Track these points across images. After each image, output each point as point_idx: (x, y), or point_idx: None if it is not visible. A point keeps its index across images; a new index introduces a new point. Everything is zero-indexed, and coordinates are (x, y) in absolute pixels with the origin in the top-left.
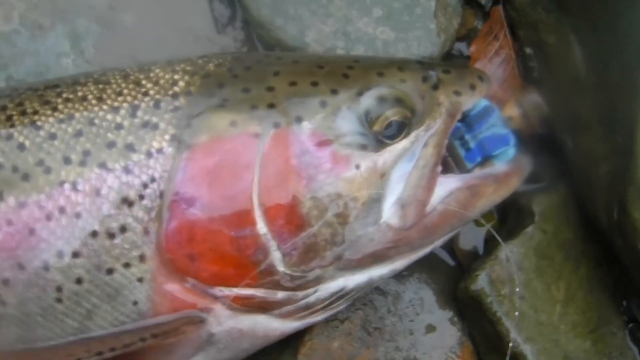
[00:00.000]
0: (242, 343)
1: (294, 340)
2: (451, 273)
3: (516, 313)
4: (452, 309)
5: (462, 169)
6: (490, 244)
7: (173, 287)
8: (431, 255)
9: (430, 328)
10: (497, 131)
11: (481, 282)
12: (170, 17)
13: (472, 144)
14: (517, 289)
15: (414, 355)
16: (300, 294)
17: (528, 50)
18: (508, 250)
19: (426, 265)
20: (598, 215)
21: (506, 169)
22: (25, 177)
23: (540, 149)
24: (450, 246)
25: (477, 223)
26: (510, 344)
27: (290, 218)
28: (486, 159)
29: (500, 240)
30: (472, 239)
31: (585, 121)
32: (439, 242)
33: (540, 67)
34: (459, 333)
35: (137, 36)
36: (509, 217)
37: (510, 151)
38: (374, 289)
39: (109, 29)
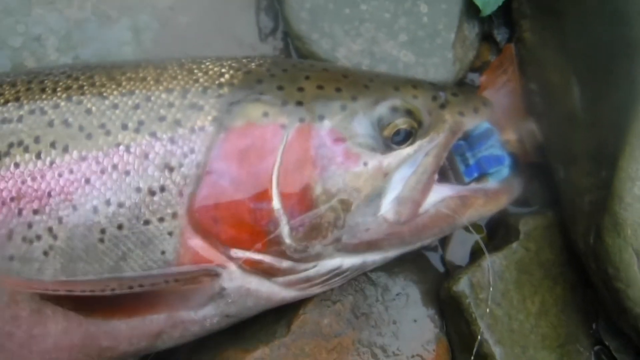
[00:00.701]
0: (247, 301)
1: (289, 312)
2: (438, 277)
3: (487, 310)
4: (434, 308)
5: (460, 182)
6: (476, 255)
7: (196, 243)
8: (422, 259)
9: (412, 321)
10: (494, 152)
11: (462, 284)
12: (220, 23)
13: (471, 161)
14: (491, 286)
15: (392, 342)
16: (302, 266)
17: (533, 86)
18: (490, 260)
19: (416, 267)
20: (577, 240)
21: (497, 187)
22: (89, 136)
23: (535, 176)
24: (442, 254)
25: (468, 230)
26: (479, 337)
27: (301, 199)
28: (482, 176)
29: (484, 248)
30: (461, 250)
31: (577, 155)
32: (426, 241)
33: (542, 101)
34: (437, 330)
35: (190, 36)
36: (497, 233)
37: (504, 171)
38: (366, 280)
39: (166, 26)
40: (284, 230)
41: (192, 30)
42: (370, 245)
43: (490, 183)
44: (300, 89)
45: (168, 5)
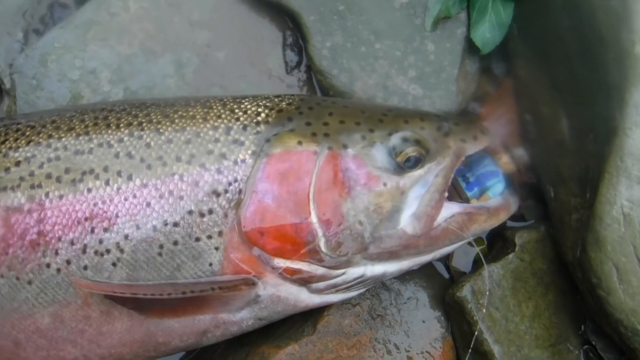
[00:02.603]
0: (277, 306)
1: (315, 314)
2: (444, 283)
3: (483, 310)
4: (440, 311)
5: (462, 198)
6: (477, 264)
7: (237, 257)
8: (430, 268)
9: (421, 322)
10: (489, 168)
11: (465, 291)
12: (252, 58)
13: (471, 179)
14: (488, 292)
15: (404, 340)
16: (333, 272)
17: (527, 117)
18: (489, 270)
19: (425, 275)
20: (566, 252)
21: (497, 204)
22: (149, 166)
23: (529, 195)
24: (447, 263)
25: (470, 245)
26: (475, 334)
27: (333, 213)
28: (482, 190)
29: (484, 260)
30: (464, 259)
31: (565, 178)
32: (437, 254)
33: (536, 130)
34: (443, 330)
35: (226, 69)
36: (495, 245)
37: (499, 184)
38: (381, 286)
39: (205, 61)
40: (321, 241)
41: (228, 64)
42: (391, 255)
43: (492, 201)
44: (326, 124)
45: (206, 43)
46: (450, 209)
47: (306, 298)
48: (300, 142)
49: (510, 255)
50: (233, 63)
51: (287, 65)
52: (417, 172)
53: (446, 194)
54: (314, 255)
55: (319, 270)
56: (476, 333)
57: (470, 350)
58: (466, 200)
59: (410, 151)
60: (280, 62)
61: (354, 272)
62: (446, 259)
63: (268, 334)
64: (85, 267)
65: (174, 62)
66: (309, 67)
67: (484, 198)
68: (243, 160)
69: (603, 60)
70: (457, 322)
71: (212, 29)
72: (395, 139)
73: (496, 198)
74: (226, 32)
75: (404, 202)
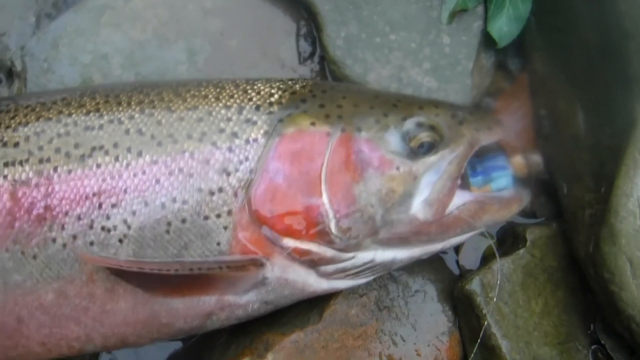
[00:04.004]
0: (285, 290)
1: (321, 303)
2: (453, 278)
3: (492, 303)
4: (448, 305)
5: (465, 183)
6: (487, 259)
7: (246, 236)
8: (439, 261)
9: (428, 315)
10: (499, 163)
11: (474, 284)
12: (265, 47)
13: (479, 169)
14: (498, 281)
15: (411, 333)
16: (343, 255)
17: (542, 112)
18: (500, 264)
19: (434, 269)
20: (578, 248)
21: (509, 195)
22: (159, 143)
23: (542, 191)
24: (456, 258)
25: (483, 235)
26: (483, 328)
27: (345, 195)
28: (486, 181)
29: (496, 252)
30: (474, 255)
31: (580, 173)
32: (448, 243)
33: (550, 125)
34: (450, 324)
35: (238, 58)
36: (506, 241)
37: (505, 179)
38: (389, 278)
39: (217, 49)
40: (332, 222)
41: (240, 52)
42: (401, 240)
43: (504, 192)
44: (339, 106)
45: (219, 30)
46: (462, 197)
47: (314, 282)
48: (313, 123)
49: (521, 251)
50: (245, 52)
51: (300, 56)
52: (431, 159)
53: (459, 182)
54: (323, 236)
55: (328, 252)
56: (484, 327)
57: (477, 345)
58: (468, 187)
59: (424, 136)
60: (293, 52)
61: (363, 256)
62: (455, 254)
63: (273, 322)
64: (92, 243)
65: (186, 49)
66: (322, 58)
67: (485, 189)
68: (255, 140)
69: (624, 53)
70: (465, 315)
71: (225, 17)
72: (409, 124)
73: (509, 190)
74: (239, 21)
75: (416, 187)
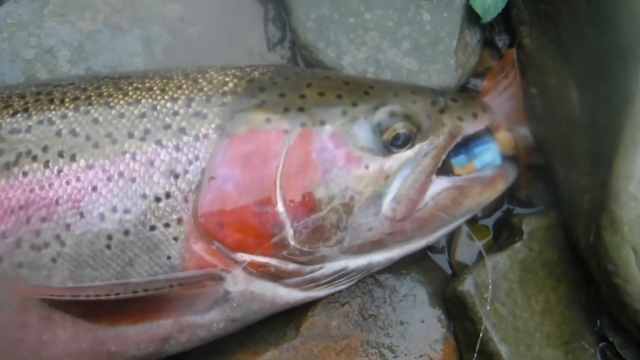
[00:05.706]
0: (252, 304)
1: (298, 315)
2: (445, 279)
3: (488, 307)
4: (441, 309)
5: (446, 165)
6: (482, 257)
7: (201, 248)
8: (429, 260)
9: (419, 322)
10: (480, 136)
11: (468, 284)
12: (230, 33)
13: (462, 152)
14: (490, 284)
15: (401, 343)
16: (307, 268)
17: (533, 90)
18: (492, 262)
19: (423, 268)
20: (579, 238)
21: (492, 173)
22: (96, 145)
23: (537, 178)
24: (448, 256)
25: (470, 238)
26: (480, 334)
27: (304, 202)
28: (469, 158)
29: (483, 251)
30: (468, 253)
31: (576, 156)
32: (431, 238)
33: (542, 104)
34: (444, 330)
35: (200, 46)
36: (502, 234)
37: (489, 153)
38: (373, 281)
39: (177, 37)
40: (289, 233)
41: (203, 40)
42: (374, 245)
43: (485, 170)
44: (302, 96)
45: (178, 17)
46: (438, 185)
47: (285, 294)
48: (268, 120)
49: (518, 244)
50: (208, 39)
51: (269, 42)
52: (406, 154)
53: (434, 176)
54: (281, 249)
55: (289, 265)
56: (481, 335)
57: (476, 354)
58: (450, 169)
59: (399, 127)
60: (261, 37)
61: (332, 266)
62: (447, 250)
63: (246, 339)
64: (20, 265)
65: (142, 38)
66: (293, 43)
67: (469, 167)
68: (206, 136)
69: (616, 20)
70: (459, 320)
71: (185, 2)
72: (381, 114)
73: (490, 167)
74: (201, 6)
75: (387, 187)
